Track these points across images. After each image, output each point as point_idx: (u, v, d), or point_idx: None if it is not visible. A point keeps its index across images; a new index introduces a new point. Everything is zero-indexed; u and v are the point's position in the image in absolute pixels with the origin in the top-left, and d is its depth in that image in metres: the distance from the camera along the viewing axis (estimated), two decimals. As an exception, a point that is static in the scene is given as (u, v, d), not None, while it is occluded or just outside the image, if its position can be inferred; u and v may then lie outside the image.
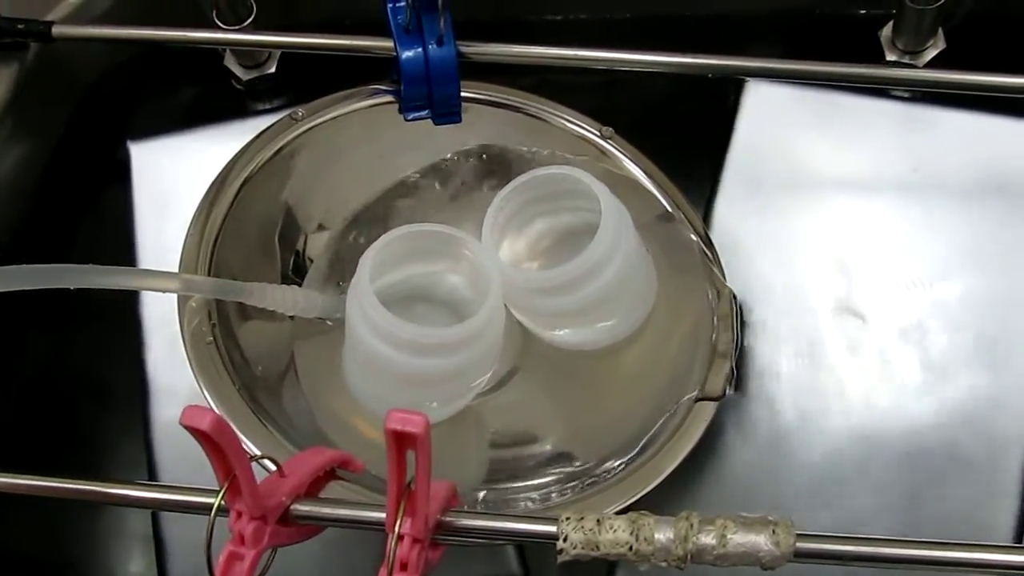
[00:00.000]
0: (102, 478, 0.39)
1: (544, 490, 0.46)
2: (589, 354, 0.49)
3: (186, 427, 0.32)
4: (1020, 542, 0.47)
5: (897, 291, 0.52)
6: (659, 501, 0.45)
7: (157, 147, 0.57)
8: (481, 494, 0.45)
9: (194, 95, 0.62)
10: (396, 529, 0.32)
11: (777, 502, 0.48)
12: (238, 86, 0.60)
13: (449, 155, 0.51)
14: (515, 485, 0.46)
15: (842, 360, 0.50)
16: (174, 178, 0.56)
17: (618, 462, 0.45)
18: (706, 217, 0.54)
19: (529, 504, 0.45)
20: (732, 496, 0.49)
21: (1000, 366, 0.50)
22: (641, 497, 0.44)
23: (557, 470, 0.47)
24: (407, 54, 0.49)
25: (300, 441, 0.42)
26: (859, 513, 0.48)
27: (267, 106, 0.61)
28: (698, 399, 0.46)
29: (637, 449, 0.45)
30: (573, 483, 0.45)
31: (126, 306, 0.53)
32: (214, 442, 0.33)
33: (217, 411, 0.41)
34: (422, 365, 0.43)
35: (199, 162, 0.52)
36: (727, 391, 0.46)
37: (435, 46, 0.49)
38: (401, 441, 0.31)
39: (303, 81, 0.60)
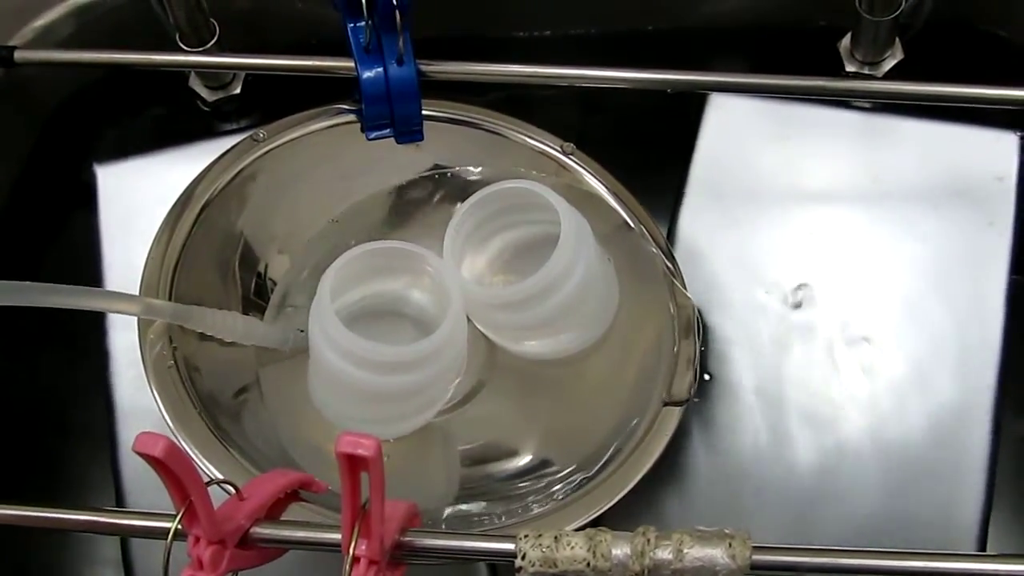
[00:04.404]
0: (65, 504, 0.38)
1: (515, 504, 0.46)
2: (555, 364, 0.49)
3: (139, 454, 0.32)
4: (984, 550, 0.47)
5: (859, 301, 0.52)
6: (630, 508, 0.45)
7: (123, 170, 0.57)
8: (447, 511, 0.45)
9: (160, 117, 0.62)
10: (351, 551, 0.32)
11: (743, 508, 0.48)
12: (204, 107, 0.60)
13: (412, 174, 0.52)
14: (486, 500, 0.47)
15: (804, 370, 0.51)
16: (141, 200, 0.56)
17: (588, 471, 0.45)
18: (670, 229, 0.54)
19: (499, 519, 0.45)
20: (699, 503, 0.49)
21: (964, 374, 0.50)
22: (613, 505, 0.44)
23: (528, 483, 0.47)
24: (367, 74, 0.49)
25: (263, 463, 0.42)
26: (825, 520, 0.48)
27: (234, 126, 0.61)
28: (665, 404, 0.46)
29: (607, 457, 0.45)
30: (545, 494, 0.45)
31: (93, 330, 0.53)
32: (168, 468, 0.33)
33: (179, 435, 0.41)
34: (385, 382, 0.43)
35: (166, 184, 0.52)
36: (692, 396, 0.46)
37: (395, 65, 0.49)
38: (353, 464, 0.31)
39: (269, 101, 0.60)
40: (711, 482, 0.49)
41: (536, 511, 0.44)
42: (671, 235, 0.54)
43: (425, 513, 0.45)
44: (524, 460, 0.48)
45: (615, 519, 0.46)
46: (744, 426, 0.50)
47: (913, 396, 0.50)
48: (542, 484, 0.46)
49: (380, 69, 0.49)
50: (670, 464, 0.49)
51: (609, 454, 0.45)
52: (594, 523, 0.44)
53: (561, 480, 0.46)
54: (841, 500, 0.48)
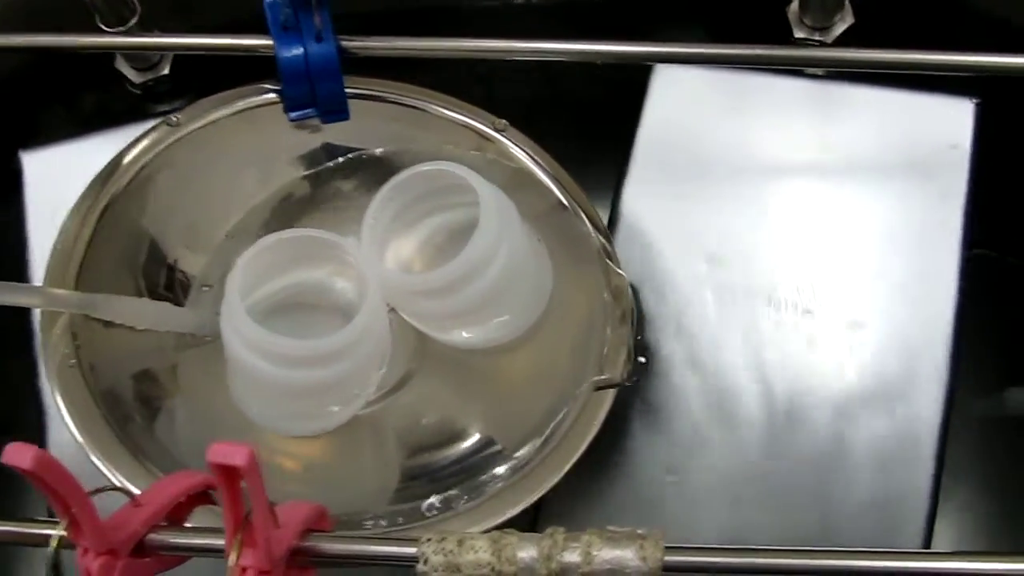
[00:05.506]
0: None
1: (441, 496, 0.44)
2: (488, 350, 0.48)
3: (8, 466, 0.30)
4: (932, 533, 0.46)
5: (807, 276, 0.50)
6: (567, 497, 0.45)
7: (51, 156, 0.55)
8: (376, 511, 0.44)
9: (87, 100, 0.59)
10: (232, 562, 0.31)
11: (684, 496, 0.47)
12: (132, 89, 0.58)
13: (336, 156, 0.50)
14: (418, 495, 0.45)
15: (750, 348, 0.49)
16: (69, 187, 0.54)
17: (522, 460, 0.44)
18: (614, 205, 0.52)
19: (431, 514, 0.44)
20: (639, 491, 0.47)
21: (915, 352, 0.48)
22: (550, 494, 0.43)
23: (459, 475, 0.45)
24: (286, 53, 0.47)
25: (172, 467, 0.41)
26: (766, 508, 0.46)
27: (165, 108, 0.58)
28: (598, 387, 0.44)
29: (538, 444, 0.44)
30: (477, 486, 0.44)
31: (22, 329, 0.51)
32: (43, 479, 0.31)
33: (81, 440, 0.40)
34: (300, 377, 0.42)
35: (95, 169, 0.50)
36: (626, 378, 0.45)
37: (315, 43, 0.47)
38: (229, 473, 0.29)
39: (200, 81, 0.58)
40: (651, 468, 0.47)
41: (465, 505, 0.43)
42: (615, 212, 0.52)
43: (357, 513, 0.44)
44: (454, 451, 0.46)
45: (553, 508, 0.45)
46: (687, 409, 0.48)
47: (863, 374, 0.48)
48: (474, 475, 0.45)
49: (300, 47, 0.47)
50: (608, 450, 0.47)
51: (541, 441, 0.44)
52: (528, 514, 0.43)
53: (495, 468, 0.44)
54: (786, 483, 0.46)
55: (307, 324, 0.47)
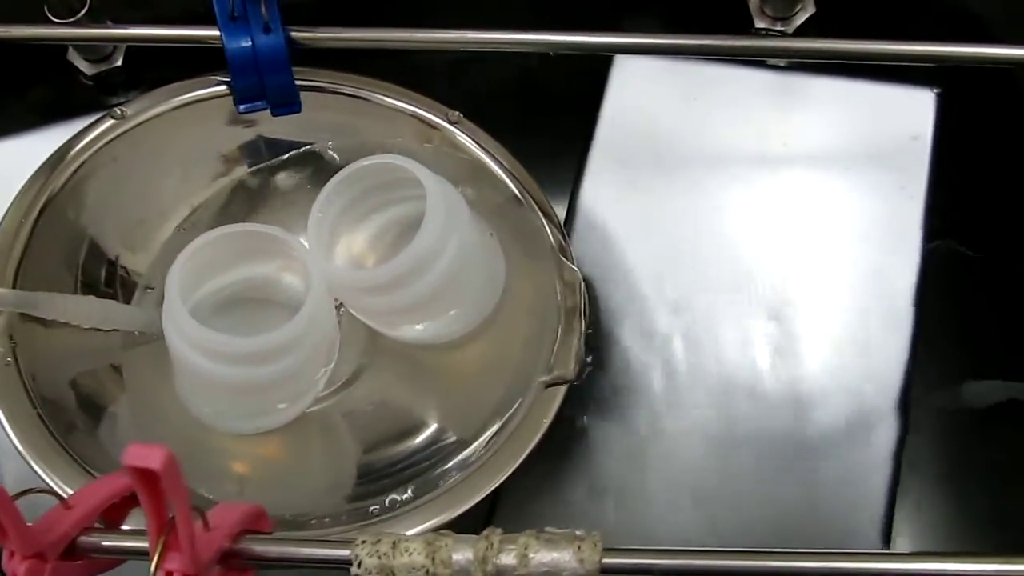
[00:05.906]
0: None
1: (397, 491, 0.44)
2: (440, 345, 0.47)
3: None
4: (892, 529, 0.45)
5: (765, 271, 0.49)
6: (518, 495, 0.45)
7: (3, 148, 0.55)
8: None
9: (41, 93, 0.58)
10: (154, 566, 0.30)
11: (638, 494, 0.46)
12: (86, 81, 0.57)
13: (286, 150, 0.49)
14: (371, 490, 0.44)
15: (706, 345, 0.48)
16: (23, 179, 0.53)
17: (471, 456, 0.43)
18: (572, 198, 0.52)
19: (383, 512, 0.43)
20: (588, 491, 0.47)
21: (874, 343, 0.48)
22: (501, 492, 0.42)
23: (409, 472, 0.45)
24: (233, 44, 0.46)
25: (114, 469, 0.40)
26: (722, 505, 0.46)
27: (119, 100, 0.57)
28: (548, 385, 0.44)
29: (487, 441, 0.43)
30: (429, 482, 0.43)
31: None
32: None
33: (17, 442, 0.39)
34: (243, 375, 0.41)
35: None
36: (577, 375, 0.44)
37: (263, 34, 0.46)
38: (147, 477, 0.29)
39: (154, 72, 0.57)
40: (608, 463, 0.47)
41: (416, 503, 0.42)
42: (574, 204, 0.51)
43: (305, 513, 0.43)
44: (405, 447, 0.46)
45: (511, 503, 0.45)
46: (644, 403, 0.48)
47: (821, 370, 0.47)
48: (425, 472, 0.44)
49: (247, 38, 0.46)
50: (565, 444, 0.47)
51: (491, 437, 0.43)
52: (484, 509, 0.43)
53: (446, 464, 0.44)
54: (743, 478, 0.46)
55: (258, 320, 0.46)
